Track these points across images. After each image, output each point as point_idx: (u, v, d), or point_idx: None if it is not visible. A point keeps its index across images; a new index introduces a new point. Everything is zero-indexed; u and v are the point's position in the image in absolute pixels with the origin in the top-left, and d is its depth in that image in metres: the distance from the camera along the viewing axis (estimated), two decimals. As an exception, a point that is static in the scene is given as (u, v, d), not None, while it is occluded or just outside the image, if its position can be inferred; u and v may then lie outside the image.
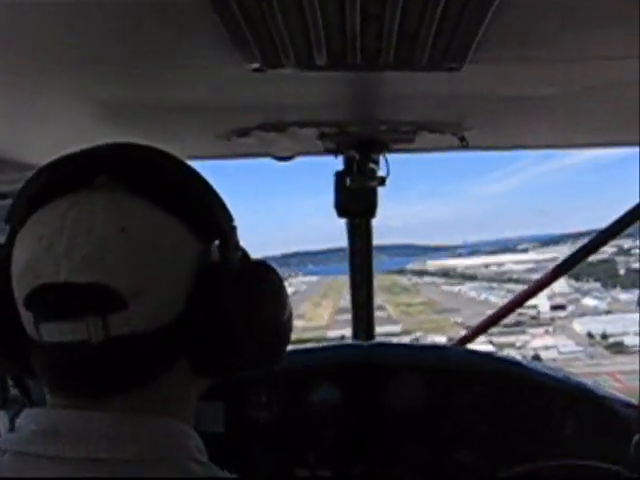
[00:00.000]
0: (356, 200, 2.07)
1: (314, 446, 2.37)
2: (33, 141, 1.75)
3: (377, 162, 1.89)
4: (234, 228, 0.97)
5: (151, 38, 1.14)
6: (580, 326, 16.38)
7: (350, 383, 2.39)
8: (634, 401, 2.43)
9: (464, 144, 1.68)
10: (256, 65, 1.17)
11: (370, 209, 2.11)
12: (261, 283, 0.96)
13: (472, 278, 19.68)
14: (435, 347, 2.55)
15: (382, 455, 2.37)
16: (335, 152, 1.87)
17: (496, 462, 2.23)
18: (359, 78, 1.31)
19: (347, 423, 2.38)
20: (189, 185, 0.94)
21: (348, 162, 1.94)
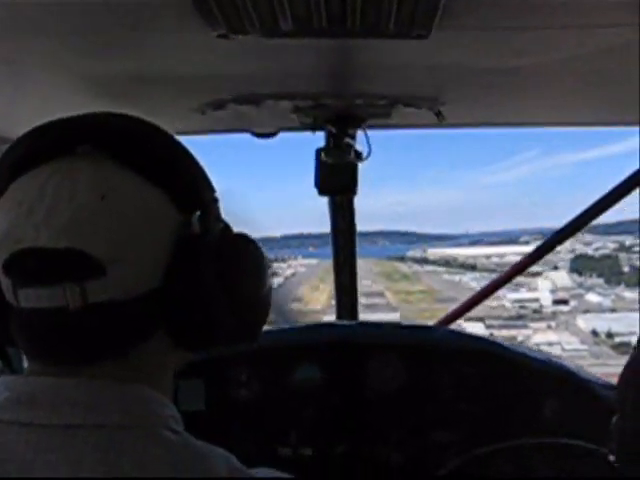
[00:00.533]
0: (336, 177, 2.05)
1: (295, 425, 2.37)
2: (10, 114, 1.73)
3: (354, 137, 1.87)
4: (216, 200, 0.97)
5: (119, 7, 1.13)
6: (584, 323, 16.02)
7: (332, 362, 2.38)
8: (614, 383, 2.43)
9: (440, 119, 1.67)
10: (221, 31, 1.15)
11: (350, 186, 2.09)
12: (241, 256, 0.96)
13: (473, 268, 19.58)
14: (417, 327, 2.54)
15: (363, 434, 2.37)
16: (312, 127, 1.86)
17: (477, 441, 2.23)
18: (332, 48, 1.30)
19: (329, 402, 2.37)
20: (171, 155, 0.94)
21: (326, 138, 1.93)
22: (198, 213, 0.93)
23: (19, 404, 0.87)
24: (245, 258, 0.97)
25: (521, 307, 17.50)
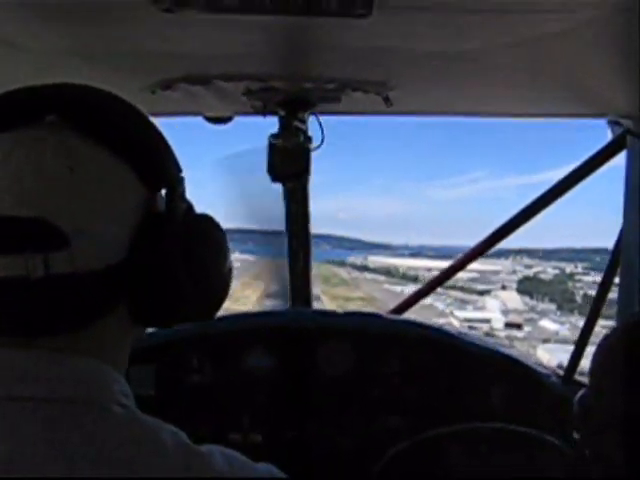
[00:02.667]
0: (288, 162, 2.06)
1: (246, 410, 2.38)
2: None
3: (305, 122, 1.88)
4: (182, 179, 0.97)
5: None
6: (547, 354, 14.34)
7: (282, 348, 2.40)
8: (560, 372, 2.49)
9: (388, 105, 1.69)
10: (164, 5, 1.15)
11: (303, 171, 2.11)
12: (204, 235, 0.97)
13: (415, 280, 19.44)
14: (367, 314, 2.57)
15: (313, 420, 2.39)
16: (263, 112, 1.87)
17: (425, 426, 2.27)
18: (280, 27, 1.30)
19: (279, 387, 2.39)
20: (140, 131, 0.94)
21: (279, 123, 1.94)
22: (164, 191, 0.94)
23: None
24: (208, 237, 0.99)
25: (470, 327, 16.76)
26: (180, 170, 0.98)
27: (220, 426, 2.36)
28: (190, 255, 0.93)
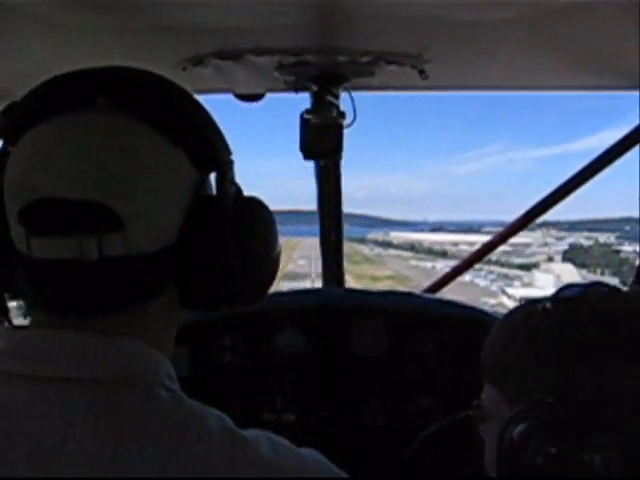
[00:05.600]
0: (320, 140, 2.04)
1: (279, 390, 2.38)
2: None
3: (337, 97, 1.85)
4: (232, 162, 0.97)
5: None
6: None
7: (314, 327, 2.39)
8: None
9: (424, 78, 1.65)
10: None
11: (335, 149, 2.08)
12: (255, 219, 0.97)
13: (444, 255, 18.95)
14: (401, 293, 2.54)
15: (346, 400, 2.38)
16: (295, 88, 1.84)
17: (459, 406, 2.23)
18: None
19: (312, 367, 2.38)
20: (191, 114, 0.94)
21: (311, 99, 1.91)
22: (215, 174, 0.94)
23: (15, 354, 0.87)
24: (258, 221, 0.98)
25: None
26: (230, 153, 0.98)
27: (254, 406, 2.36)
28: (240, 239, 0.93)
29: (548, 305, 1.07)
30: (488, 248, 2.79)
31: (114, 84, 0.91)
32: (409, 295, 2.57)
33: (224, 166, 0.95)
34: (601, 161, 2.33)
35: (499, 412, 1.05)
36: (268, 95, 2.16)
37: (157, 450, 0.82)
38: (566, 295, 1.09)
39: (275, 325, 2.39)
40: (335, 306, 2.42)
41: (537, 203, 2.54)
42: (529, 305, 1.12)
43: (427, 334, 2.35)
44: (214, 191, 0.95)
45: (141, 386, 0.88)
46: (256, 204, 1.00)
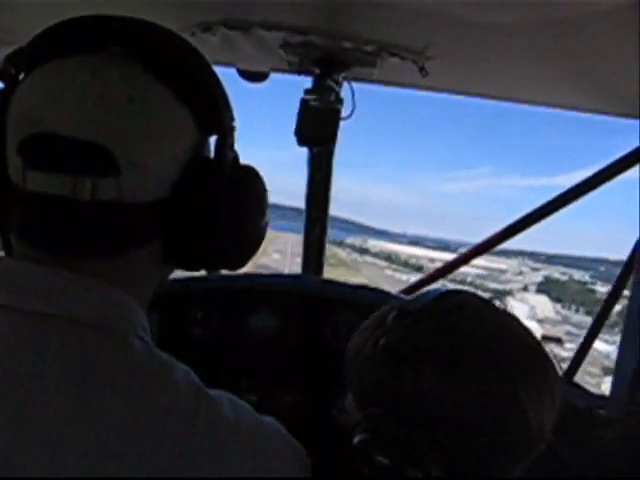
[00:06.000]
0: (317, 125, 2.06)
1: (245, 369, 2.38)
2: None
3: (338, 84, 1.87)
4: (233, 128, 0.99)
5: None
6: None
7: (291, 312, 2.40)
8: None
9: (423, 75, 1.68)
10: None
11: (330, 136, 2.10)
12: (248, 186, 1.00)
13: (419, 269, 18.84)
14: (377, 290, 2.56)
15: (311, 387, 2.39)
16: (298, 69, 1.86)
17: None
18: None
19: (281, 351, 2.39)
20: (201, 74, 0.96)
21: (312, 83, 1.93)
22: (216, 137, 0.97)
23: None
24: (251, 189, 1.01)
25: None
26: (233, 119, 1.00)
27: (217, 382, 2.36)
28: (231, 203, 0.95)
29: (394, 315, 1.08)
30: (452, 266, 2.82)
31: (130, 33, 0.92)
32: (385, 293, 2.59)
33: (226, 131, 0.97)
34: (574, 192, 2.38)
35: (355, 417, 1.08)
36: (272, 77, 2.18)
37: (122, 396, 0.84)
38: (411, 306, 1.09)
39: (251, 305, 2.39)
40: (313, 294, 2.43)
41: (508, 226, 2.58)
42: (379, 314, 1.14)
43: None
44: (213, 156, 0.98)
45: (116, 333, 0.89)
46: (251, 172, 1.02)
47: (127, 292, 0.93)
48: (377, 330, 1.08)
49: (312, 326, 2.40)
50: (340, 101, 1.96)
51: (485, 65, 1.72)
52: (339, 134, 2.41)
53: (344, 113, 2.13)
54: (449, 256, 2.92)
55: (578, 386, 2.43)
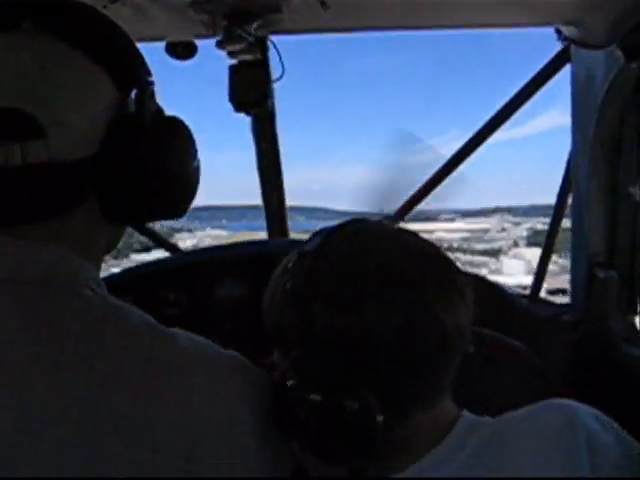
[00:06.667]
0: (248, 88, 2.13)
1: (220, 340, 2.41)
2: None
3: (251, 35, 1.92)
4: (151, 82, 1.05)
5: None
6: None
7: (256, 276, 2.43)
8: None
9: (324, 9, 1.73)
10: None
11: (263, 96, 2.18)
12: (173, 134, 1.05)
13: None
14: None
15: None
16: (213, 28, 1.91)
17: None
18: None
19: (252, 318, 2.42)
20: (111, 35, 1.03)
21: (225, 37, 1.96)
22: (135, 92, 1.02)
23: None
24: (176, 136, 1.06)
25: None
26: (150, 74, 1.07)
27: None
28: (157, 152, 1.00)
29: (294, 259, 1.11)
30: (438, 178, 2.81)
31: (37, 8, 0.97)
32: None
33: (143, 85, 1.03)
34: (514, 103, 2.42)
35: (282, 366, 1.08)
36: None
37: (78, 341, 0.89)
38: (308, 246, 1.11)
39: (216, 275, 2.44)
40: (277, 254, 2.46)
41: (446, 162, 2.62)
42: (285, 261, 1.16)
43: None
44: None
45: (66, 287, 0.94)
46: (174, 121, 1.07)
47: (74, 250, 0.98)
48: (283, 276, 1.10)
49: None
50: (264, 58, 2.03)
51: None
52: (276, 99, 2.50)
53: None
54: (430, 226, 2.91)
55: (543, 300, 2.50)
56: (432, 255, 1.10)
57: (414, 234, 1.13)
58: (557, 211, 2.45)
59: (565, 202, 2.42)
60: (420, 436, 1.06)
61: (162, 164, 1.01)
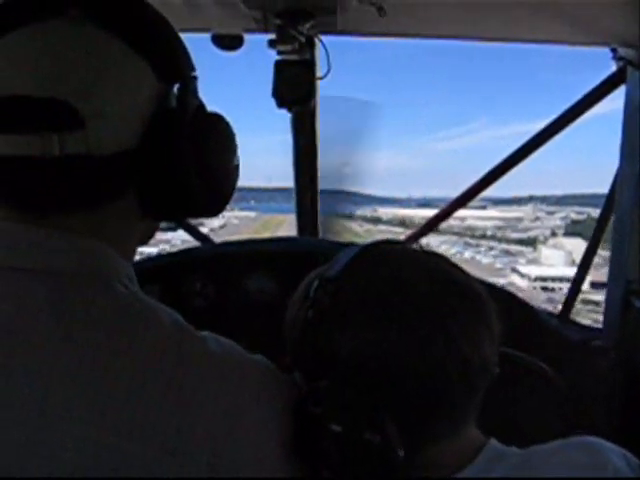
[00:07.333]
0: (292, 85, 2.10)
1: (245, 334, 2.40)
2: None
3: (304, 37, 1.90)
4: (195, 77, 1.04)
5: None
6: None
7: (288, 273, 2.40)
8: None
9: (382, 15, 1.70)
10: None
11: (307, 95, 2.15)
12: (213, 130, 1.03)
13: (435, 230, 18.37)
14: (386, 241, 2.56)
15: None
16: (265, 25, 1.89)
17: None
18: None
19: (281, 314, 2.40)
20: (157, 27, 1.01)
21: (277, 36, 1.95)
22: (177, 86, 1.00)
23: None
24: (218, 133, 1.04)
25: (544, 289, 13.65)
26: (194, 69, 1.04)
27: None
28: (199, 148, 0.98)
29: (315, 285, 1.07)
30: (437, 220, 2.82)
31: None
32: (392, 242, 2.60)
33: (186, 79, 1.01)
34: (564, 118, 2.38)
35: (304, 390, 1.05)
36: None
37: (108, 334, 0.88)
38: (330, 272, 1.08)
39: (246, 269, 2.41)
40: (306, 252, 2.45)
41: (489, 172, 2.59)
42: (305, 286, 1.13)
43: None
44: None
45: (99, 279, 0.93)
46: (216, 118, 1.05)
47: (110, 245, 0.96)
48: (304, 302, 1.08)
49: None
50: (312, 57, 2.00)
51: (447, 3, 1.74)
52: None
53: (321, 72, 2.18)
54: (461, 212, 2.86)
55: (574, 322, 2.46)
56: (459, 283, 1.07)
57: (443, 258, 1.12)
58: (599, 225, 2.40)
59: (607, 220, 2.37)
60: (442, 463, 1.05)
61: (202, 161, 0.98)
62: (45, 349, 0.86)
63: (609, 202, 2.31)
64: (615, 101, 2.28)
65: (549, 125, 2.41)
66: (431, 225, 2.84)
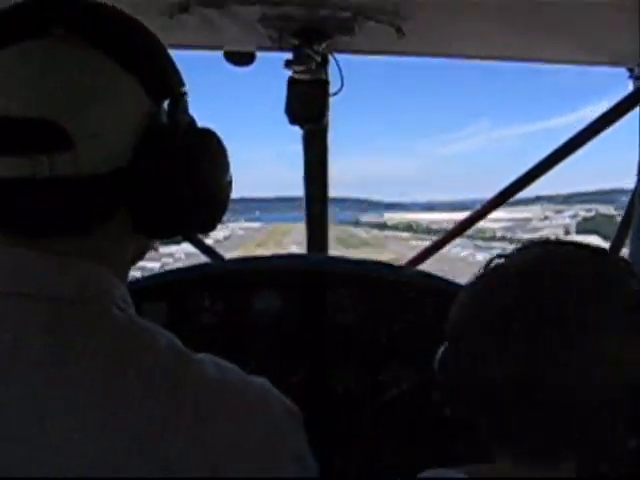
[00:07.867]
0: (305, 103, 2.09)
1: (253, 352, 2.38)
2: None
3: (320, 56, 1.89)
4: (185, 93, 1.02)
5: None
6: None
7: (292, 291, 2.40)
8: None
9: (400, 36, 1.69)
10: None
11: (320, 113, 2.13)
12: (205, 147, 1.01)
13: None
14: (380, 263, 2.56)
15: (321, 364, 2.39)
16: (280, 44, 1.87)
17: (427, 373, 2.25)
18: None
19: (289, 331, 2.39)
20: (146, 45, 0.98)
21: (294, 56, 1.94)
22: (167, 102, 0.98)
23: None
24: (209, 149, 1.02)
25: None
26: (183, 84, 1.02)
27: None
28: (190, 165, 0.96)
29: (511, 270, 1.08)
30: (467, 224, 2.80)
31: (71, 15, 0.93)
32: (388, 265, 2.59)
33: (176, 96, 0.99)
34: (582, 137, 2.37)
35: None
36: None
37: (105, 357, 0.86)
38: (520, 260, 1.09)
39: (253, 286, 2.39)
40: (315, 271, 2.43)
41: (519, 177, 2.57)
42: (492, 272, 1.12)
43: (403, 303, 2.37)
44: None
45: (95, 304, 0.91)
46: (207, 134, 1.03)
47: (103, 266, 0.94)
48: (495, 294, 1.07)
49: (317, 303, 2.40)
50: (326, 75, 1.98)
51: (461, 24, 1.73)
52: (331, 112, 2.44)
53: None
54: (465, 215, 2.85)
55: None
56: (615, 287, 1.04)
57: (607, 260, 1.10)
58: (623, 222, 2.40)
59: (631, 217, 2.35)
60: None
61: (193, 177, 0.96)
62: (38, 379, 0.84)
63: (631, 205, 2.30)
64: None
65: (565, 143, 2.39)
66: (461, 229, 2.80)
